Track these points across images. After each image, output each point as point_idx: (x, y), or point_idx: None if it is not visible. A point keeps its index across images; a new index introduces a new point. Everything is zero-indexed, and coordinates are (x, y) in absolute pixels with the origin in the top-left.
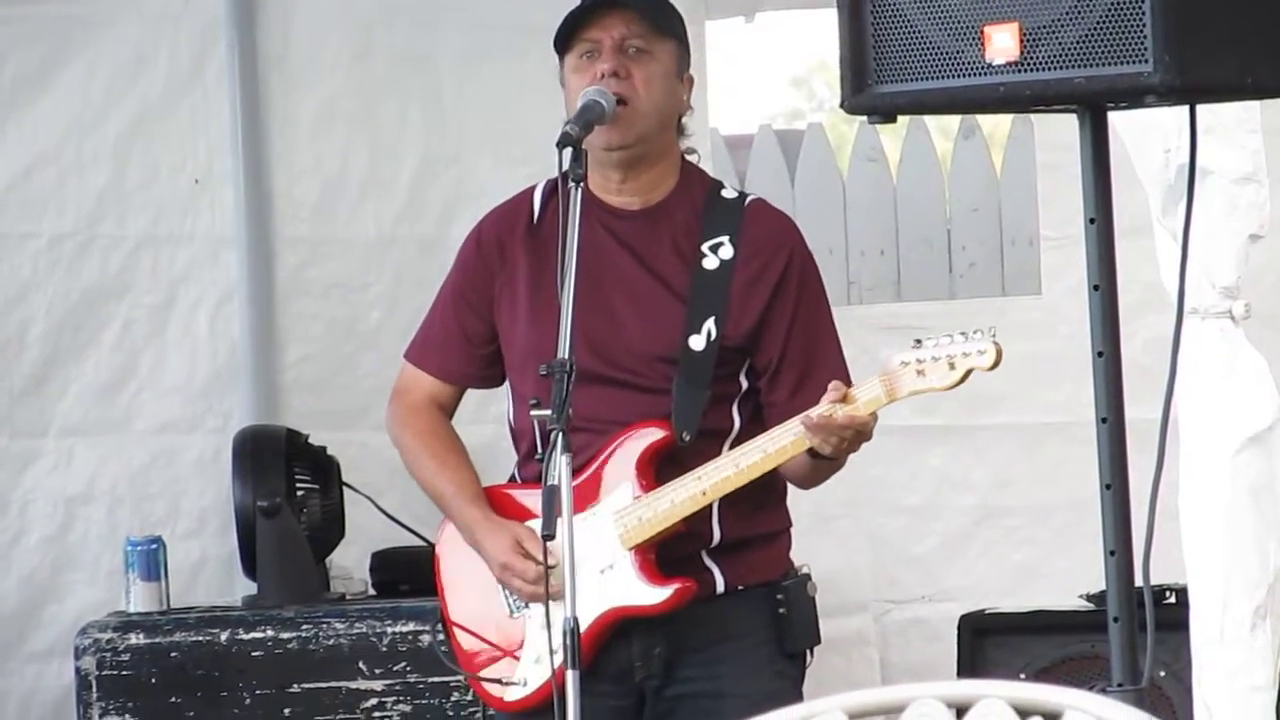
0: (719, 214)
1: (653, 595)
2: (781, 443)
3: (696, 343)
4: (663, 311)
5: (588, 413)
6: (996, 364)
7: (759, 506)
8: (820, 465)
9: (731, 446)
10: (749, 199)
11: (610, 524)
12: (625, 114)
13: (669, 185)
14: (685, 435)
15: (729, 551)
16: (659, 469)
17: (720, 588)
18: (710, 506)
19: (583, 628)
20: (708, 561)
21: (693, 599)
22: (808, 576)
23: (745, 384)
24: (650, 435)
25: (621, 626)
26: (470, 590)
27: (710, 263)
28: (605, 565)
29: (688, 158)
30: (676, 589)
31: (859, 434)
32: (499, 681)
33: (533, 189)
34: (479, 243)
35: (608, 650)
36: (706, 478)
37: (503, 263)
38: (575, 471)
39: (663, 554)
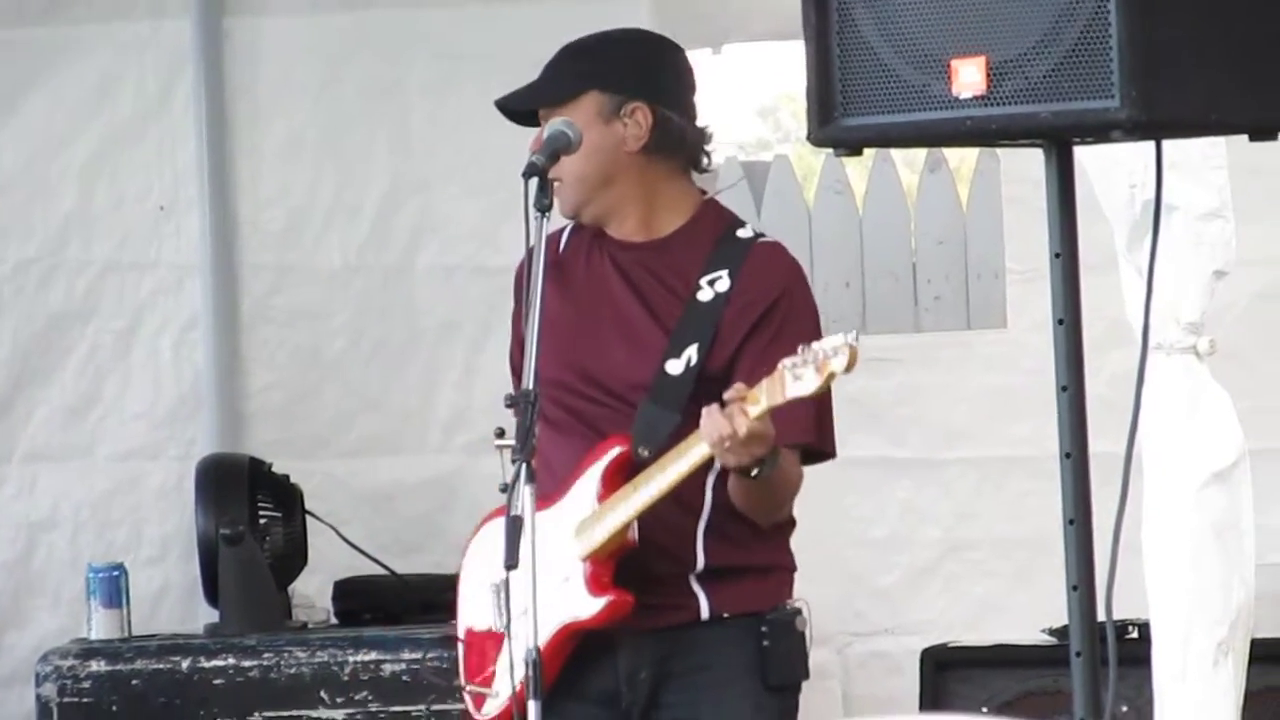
0: (725, 251)
1: (589, 606)
2: (693, 445)
3: (674, 367)
4: (646, 342)
5: (568, 437)
6: (851, 366)
7: (754, 537)
8: (744, 483)
9: (714, 480)
10: (760, 239)
11: (571, 536)
12: (559, 190)
13: (676, 220)
14: (643, 451)
15: (717, 578)
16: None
17: (705, 614)
18: (695, 531)
19: (541, 642)
20: (694, 586)
21: (680, 623)
22: (797, 611)
23: None
24: (611, 450)
25: (606, 645)
26: (477, 605)
27: (705, 295)
28: (564, 577)
29: (707, 181)
30: (609, 601)
31: (736, 436)
32: (485, 694)
33: (565, 226)
34: (517, 274)
35: (594, 673)
36: (639, 484)
37: (529, 291)
38: (557, 490)
39: (646, 574)
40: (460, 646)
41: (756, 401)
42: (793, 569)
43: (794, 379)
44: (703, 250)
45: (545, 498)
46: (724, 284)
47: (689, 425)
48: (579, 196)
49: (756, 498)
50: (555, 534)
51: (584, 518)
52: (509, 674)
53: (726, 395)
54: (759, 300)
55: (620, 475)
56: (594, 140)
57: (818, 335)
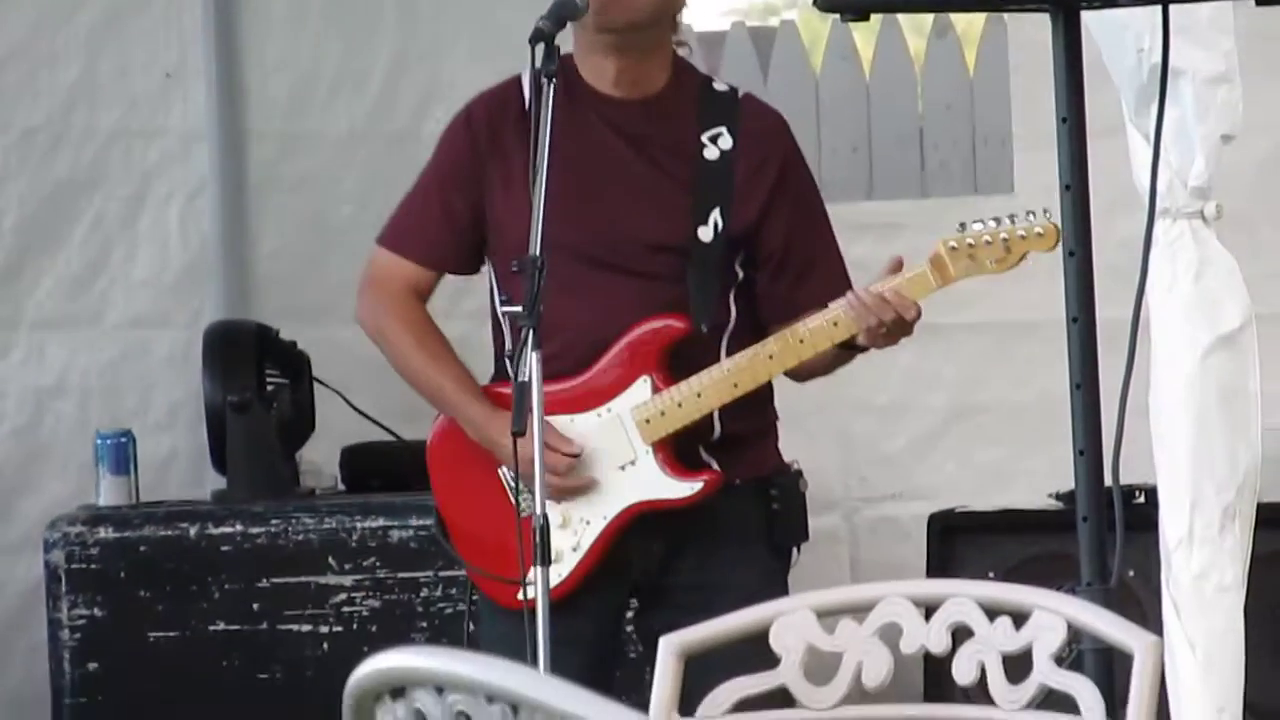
0: (714, 106)
1: (682, 488)
2: (818, 332)
3: (705, 234)
4: (667, 201)
5: (590, 302)
6: (1056, 245)
7: (755, 400)
8: (840, 358)
9: (728, 340)
10: (741, 92)
11: (629, 419)
12: (621, 2)
13: (664, 78)
14: (703, 326)
15: (726, 446)
16: (670, 363)
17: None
18: None
19: (603, 524)
20: (705, 456)
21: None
22: (799, 473)
23: (741, 274)
24: (669, 327)
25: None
26: (472, 489)
27: (710, 153)
28: (625, 461)
29: (679, 51)
30: (706, 480)
31: (901, 321)
32: (519, 582)
33: (518, 77)
34: (469, 124)
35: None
36: (737, 370)
37: (494, 147)
38: (584, 363)
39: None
40: (456, 536)
41: (912, 287)
42: (778, 420)
43: (969, 258)
44: (690, 101)
45: (566, 373)
46: (726, 141)
47: (726, 292)
48: (642, 16)
49: (832, 368)
50: (597, 416)
51: (643, 400)
52: (554, 555)
53: (888, 278)
54: (769, 162)
55: (672, 351)
56: None
57: (815, 182)
